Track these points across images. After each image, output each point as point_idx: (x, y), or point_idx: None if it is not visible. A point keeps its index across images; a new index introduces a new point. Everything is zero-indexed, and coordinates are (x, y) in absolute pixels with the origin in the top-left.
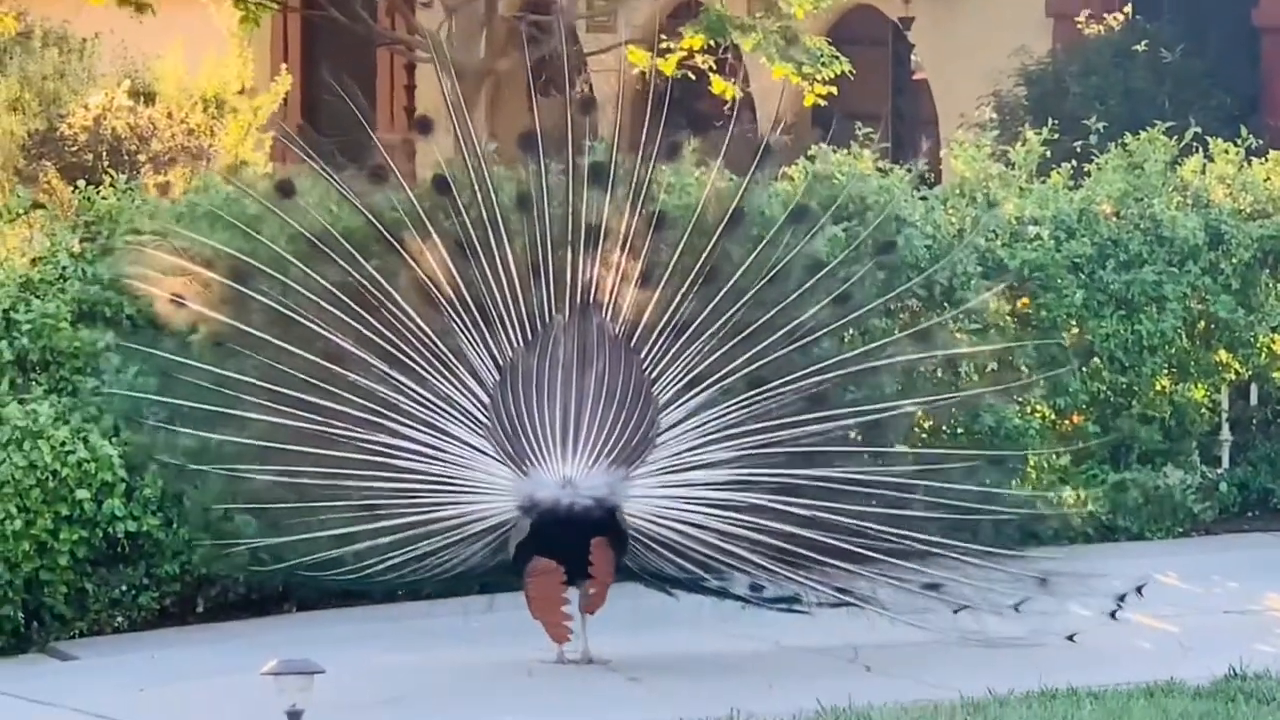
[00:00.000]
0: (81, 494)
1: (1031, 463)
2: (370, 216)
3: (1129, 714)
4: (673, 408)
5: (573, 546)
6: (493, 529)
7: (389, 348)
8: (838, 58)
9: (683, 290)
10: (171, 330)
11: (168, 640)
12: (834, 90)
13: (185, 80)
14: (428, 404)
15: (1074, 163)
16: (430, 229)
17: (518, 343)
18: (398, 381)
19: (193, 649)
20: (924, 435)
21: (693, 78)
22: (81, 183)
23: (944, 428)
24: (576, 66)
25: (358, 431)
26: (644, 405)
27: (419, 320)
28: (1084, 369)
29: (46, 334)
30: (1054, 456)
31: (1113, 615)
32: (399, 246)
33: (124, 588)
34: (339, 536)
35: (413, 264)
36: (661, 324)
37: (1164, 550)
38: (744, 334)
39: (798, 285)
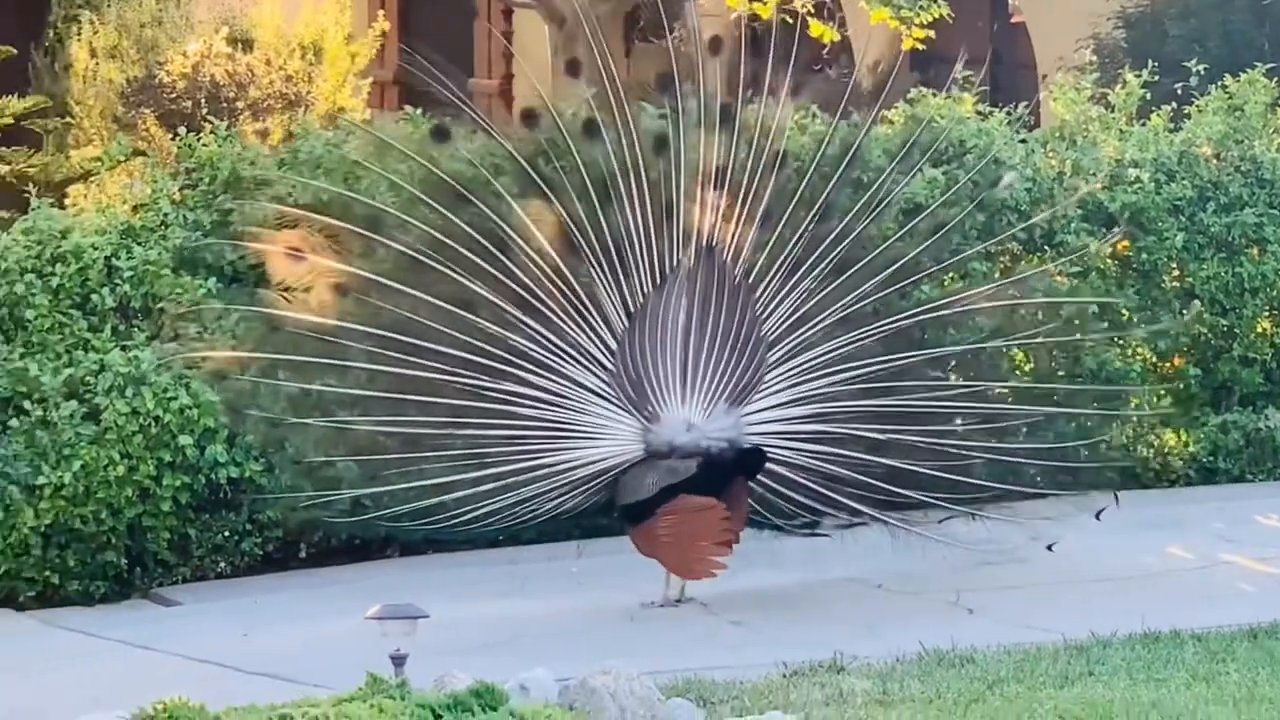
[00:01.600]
0: (184, 440)
1: (1133, 405)
2: (524, 162)
3: (1232, 656)
4: (776, 347)
5: (699, 489)
6: (605, 472)
7: (527, 295)
8: (936, 1)
9: (796, 230)
10: (272, 280)
11: (270, 585)
12: (931, 34)
13: (283, 27)
14: (557, 351)
15: (1174, 105)
16: (582, 173)
17: (648, 287)
18: (531, 329)
19: (295, 594)
20: (1026, 376)
21: (790, 21)
22: (182, 130)
23: (1045, 369)
24: (677, 11)
25: (482, 379)
26: (754, 345)
27: (562, 267)
28: (1184, 311)
29: (148, 281)
30: (1156, 399)
31: (1097, 517)
32: (549, 192)
33: (226, 533)
34: (439, 485)
35: (560, 209)
36: (775, 264)
37: (1265, 492)
38: (846, 273)
39: (899, 226)
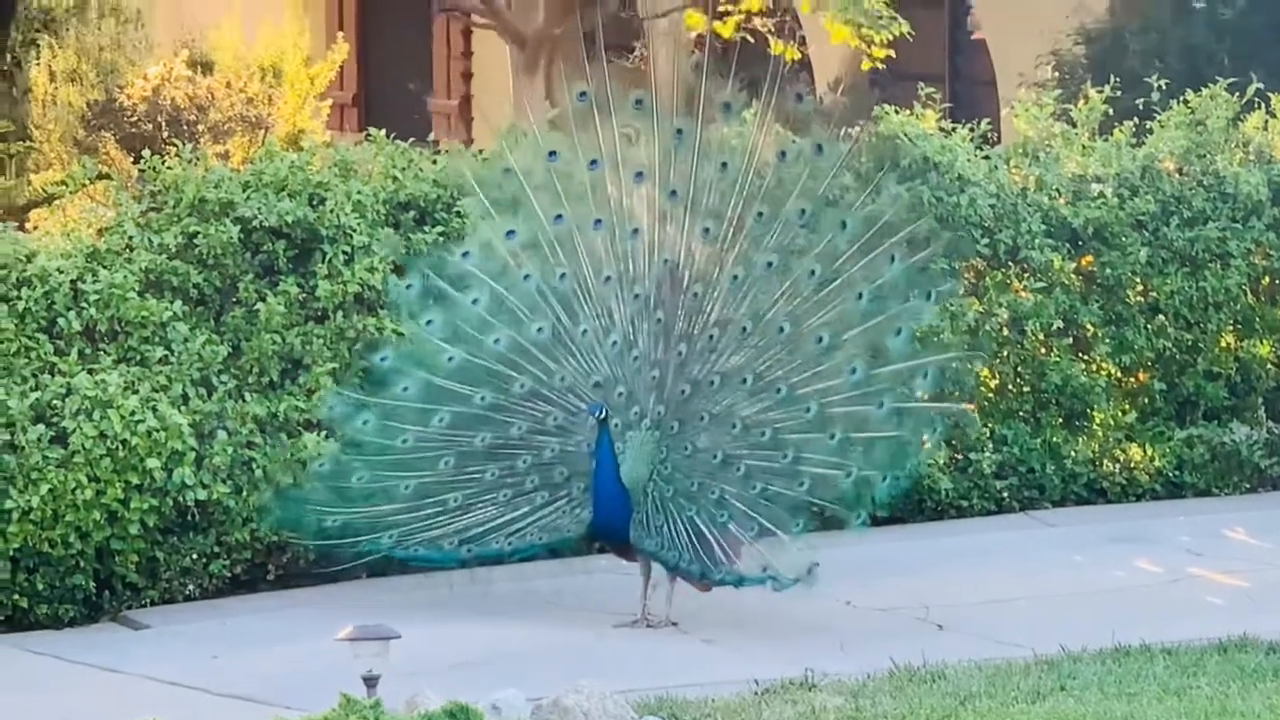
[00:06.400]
0: (151, 463)
1: (1098, 420)
2: None
3: (1202, 669)
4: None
5: None
6: None
7: None
8: (896, 18)
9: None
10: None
11: (239, 608)
12: (892, 53)
13: (242, 50)
14: None
15: (1136, 120)
16: None
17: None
18: None
19: (265, 616)
20: (990, 393)
21: (751, 40)
22: (146, 152)
23: (1009, 386)
24: (637, 31)
25: None
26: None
27: None
28: (1149, 326)
29: (114, 304)
30: (1120, 413)
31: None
32: None
33: (195, 556)
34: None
35: None
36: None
37: (1231, 506)
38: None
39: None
